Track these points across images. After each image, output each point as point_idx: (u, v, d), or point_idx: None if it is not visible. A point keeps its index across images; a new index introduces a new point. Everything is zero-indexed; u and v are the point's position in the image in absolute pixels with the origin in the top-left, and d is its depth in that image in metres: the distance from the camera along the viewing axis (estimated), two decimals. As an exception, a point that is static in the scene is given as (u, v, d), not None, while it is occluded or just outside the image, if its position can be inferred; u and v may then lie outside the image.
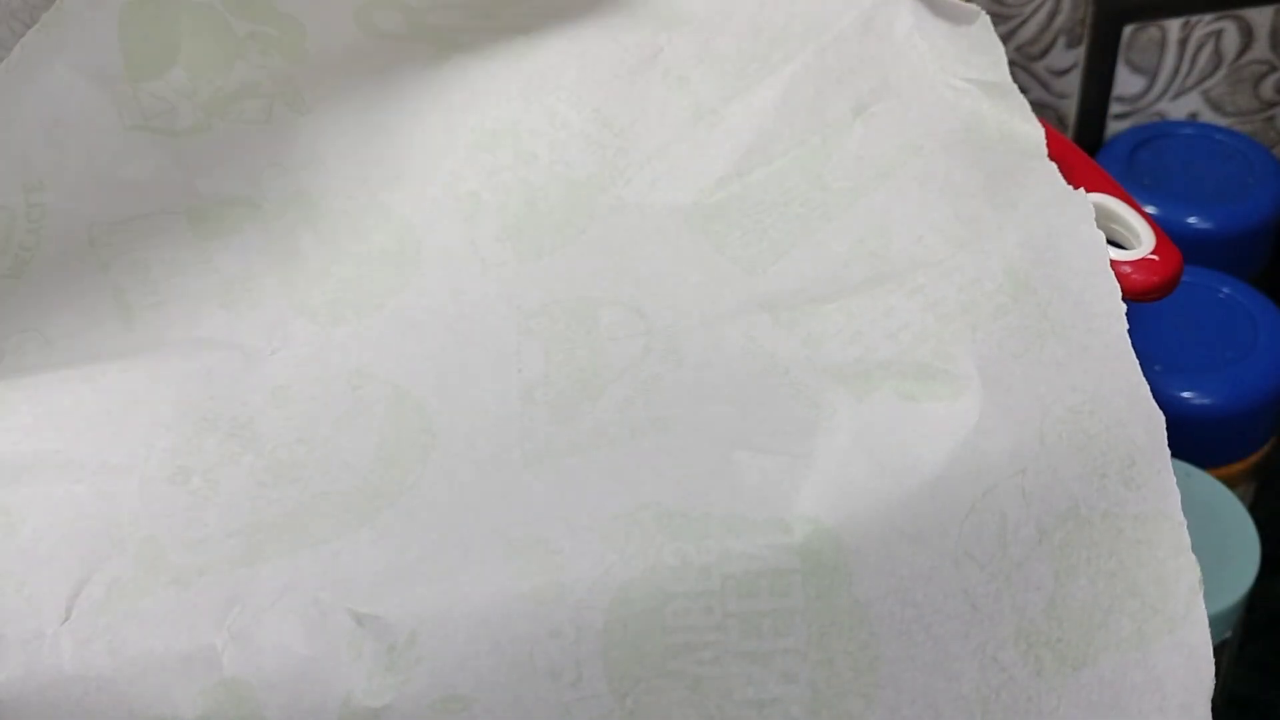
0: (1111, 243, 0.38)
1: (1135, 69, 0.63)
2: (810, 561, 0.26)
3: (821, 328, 0.31)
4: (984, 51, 0.36)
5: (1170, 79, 0.64)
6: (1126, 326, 0.29)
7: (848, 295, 0.32)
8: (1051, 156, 0.33)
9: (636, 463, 0.29)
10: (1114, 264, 0.37)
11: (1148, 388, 0.29)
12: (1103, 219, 0.37)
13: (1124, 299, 0.36)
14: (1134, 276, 0.36)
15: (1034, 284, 0.30)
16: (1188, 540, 0.28)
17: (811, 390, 0.30)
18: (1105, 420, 0.28)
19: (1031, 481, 0.27)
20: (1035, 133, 0.34)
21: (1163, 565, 0.28)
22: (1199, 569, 0.28)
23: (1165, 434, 0.28)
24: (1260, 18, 0.62)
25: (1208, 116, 0.66)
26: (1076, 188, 0.36)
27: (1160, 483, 0.28)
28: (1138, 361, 0.47)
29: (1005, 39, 0.62)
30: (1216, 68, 0.64)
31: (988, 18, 0.36)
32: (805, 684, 0.26)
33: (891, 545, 0.27)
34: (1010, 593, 0.27)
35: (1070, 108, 0.65)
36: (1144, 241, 0.37)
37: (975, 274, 0.30)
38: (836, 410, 0.29)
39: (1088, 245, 0.30)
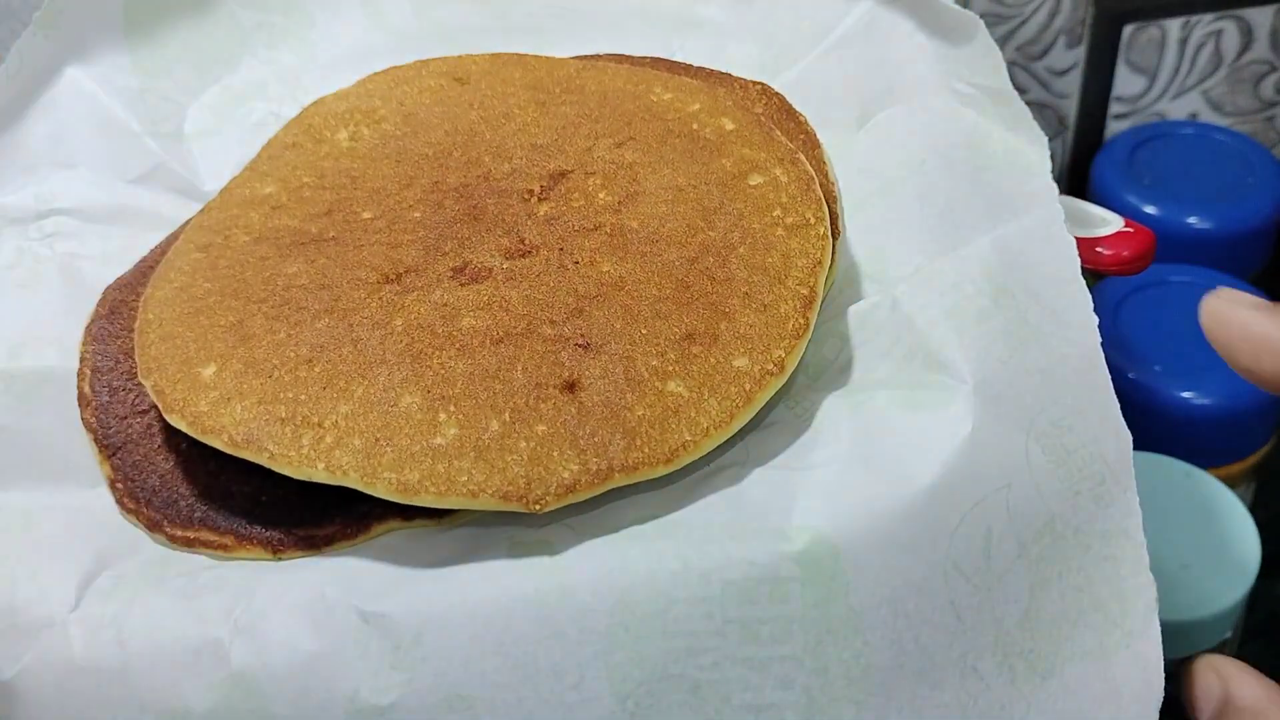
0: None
1: (1135, 69, 0.64)
2: (809, 569, 0.27)
3: (819, 355, 0.32)
4: (985, 57, 0.36)
5: (1170, 79, 0.64)
6: (1100, 339, 0.29)
7: (840, 319, 0.32)
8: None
9: None
10: (1090, 242, 0.37)
11: (1118, 406, 0.29)
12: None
13: (1106, 274, 0.37)
14: (1109, 253, 0.37)
15: (1010, 287, 0.30)
16: (1147, 559, 0.29)
17: (809, 404, 0.30)
18: (1082, 437, 0.29)
19: (1016, 496, 0.28)
20: (1039, 152, 0.34)
21: (1124, 582, 0.29)
22: (1156, 588, 0.29)
23: (1131, 453, 0.29)
24: (1260, 18, 0.62)
25: (1208, 116, 0.66)
26: None
27: (1126, 501, 0.29)
28: (1136, 359, 0.47)
29: (1005, 39, 0.62)
30: (1216, 68, 0.64)
31: (985, 26, 0.36)
32: (801, 690, 0.27)
33: (887, 555, 0.27)
34: (990, 604, 0.28)
35: (1070, 108, 0.65)
36: (1111, 223, 0.38)
37: (955, 278, 0.30)
38: (834, 421, 0.29)
39: (1060, 251, 0.31)
